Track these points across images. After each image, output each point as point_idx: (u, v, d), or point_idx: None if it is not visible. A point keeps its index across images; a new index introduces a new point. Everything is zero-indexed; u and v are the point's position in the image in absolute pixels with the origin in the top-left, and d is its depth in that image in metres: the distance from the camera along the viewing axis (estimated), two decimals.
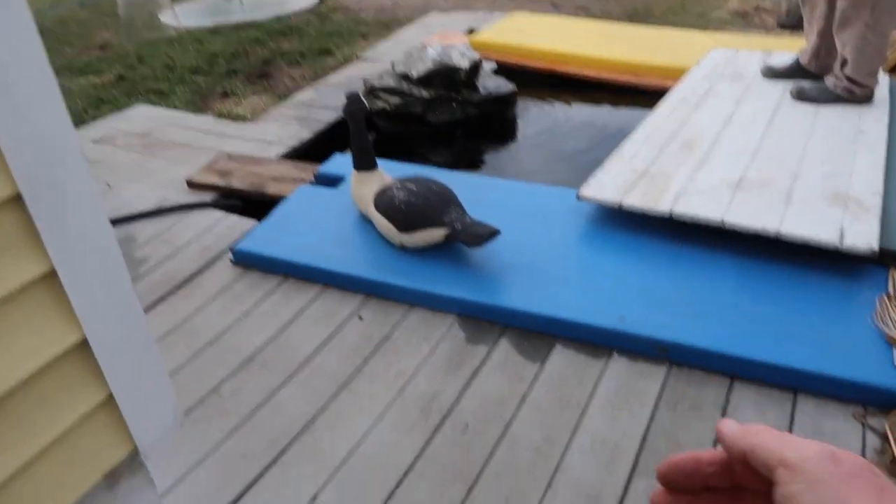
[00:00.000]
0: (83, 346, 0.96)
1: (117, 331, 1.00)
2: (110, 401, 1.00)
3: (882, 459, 1.60)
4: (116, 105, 4.07)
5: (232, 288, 2.30)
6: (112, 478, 1.10)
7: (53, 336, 0.92)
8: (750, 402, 1.77)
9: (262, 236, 2.43)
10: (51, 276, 0.91)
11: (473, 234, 2.06)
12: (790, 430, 1.68)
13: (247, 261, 2.38)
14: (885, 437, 1.64)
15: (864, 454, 1.62)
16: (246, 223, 2.63)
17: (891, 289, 1.93)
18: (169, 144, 3.42)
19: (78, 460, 1.00)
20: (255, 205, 2.79)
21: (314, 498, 1.58)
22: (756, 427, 0.35)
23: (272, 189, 2.81)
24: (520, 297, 2.06)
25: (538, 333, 2.02)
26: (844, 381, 1.73)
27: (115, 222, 2.65)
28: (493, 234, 2.05)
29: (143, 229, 2.66)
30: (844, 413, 1.72)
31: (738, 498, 0.37)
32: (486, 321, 2.07)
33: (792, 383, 1.79)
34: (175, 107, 3.97)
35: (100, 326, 0.97)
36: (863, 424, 1.69)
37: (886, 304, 1.85)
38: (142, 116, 3.82)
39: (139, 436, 1.06)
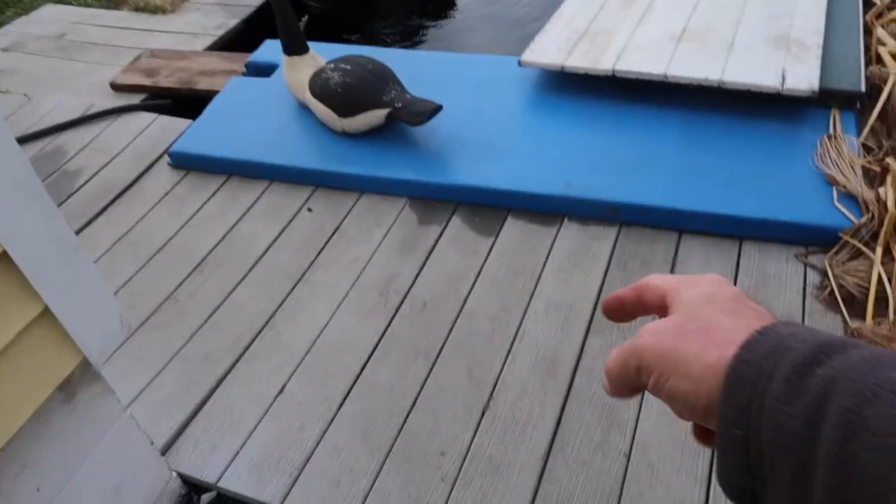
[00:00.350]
0: (5, 259, 0.92)
1: (39, 242, 0.96)
2: (47, 314, 0.98)
3: (821, 294, 1.68)
4: (21, 7, 3.74)
5: (174, 192, 2.23)
6: (68, 390, 1.10)
7: None
8: (698, 253, 1.82)
9: (198, 135, 2.33)
10: None
11: (415, 111, 2.00)
12: (735, 276, 1.75)
13: (185, 163, 2.29)
14: (824, 273, 1.72)
15: (804, 292, 1.70)
16: (179, 123, 2.51)
17: (832, 129, 1.95)
18: (86, 46, 3.19)
19: (26, 375, 0.99)
20: (186, 102, 2.65)
21: (282, 389, 1.62)
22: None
23: (203, 84, 2.66)
24: (468, 172, 2.04)
25: (489, 207, 2.02)
26: (787, 223, 1.78)
27: (40, 134, 2.51)
28: (435, 109, 1.99)
29: (71, 140, 2.52)
30: (787, 255, 1.79)
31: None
32: (436, 201, 2.06)
33: (737, 231, 1.83)
34: (86, 4, 3.67)
35: (19, 238, 0.93)
36: (804, 264, 1.76)
37: (827, 145, 1.88)
38: (52, 18, 3.53)
39: (86, 346, 1.04)
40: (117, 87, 2.76)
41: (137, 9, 3.46)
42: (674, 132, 2.05)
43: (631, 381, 0.36)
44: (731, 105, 2.08)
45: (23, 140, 2.41)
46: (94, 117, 2.58)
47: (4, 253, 0.92)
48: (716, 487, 1.35)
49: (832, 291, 1.67)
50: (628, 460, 1.42)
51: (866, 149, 1.90)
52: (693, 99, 2.11)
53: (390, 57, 2.27)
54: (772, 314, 0.35)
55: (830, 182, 1.82)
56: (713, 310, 0.35)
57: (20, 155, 0.94)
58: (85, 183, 2.30)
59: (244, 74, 2.68)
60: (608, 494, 1.37)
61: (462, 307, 1.76)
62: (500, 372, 1.60)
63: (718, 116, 2.06)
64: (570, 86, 2.26)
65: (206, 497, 1.45)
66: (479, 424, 1.50)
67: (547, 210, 1.96)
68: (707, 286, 0.37)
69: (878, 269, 1.62)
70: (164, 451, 1.50)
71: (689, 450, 1.42)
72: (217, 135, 2.30)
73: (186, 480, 1.47)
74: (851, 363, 0.28)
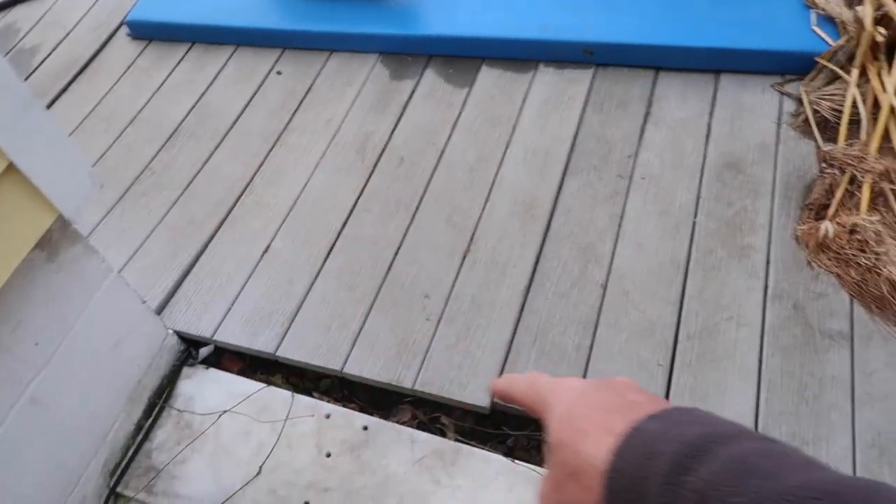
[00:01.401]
0: None
1: None
2: (13, 171, 0.98)
3: (796, 121, 1.68)
4: None
5: (137, 64, 2.16)
6: (49, 249, 1.13)
7: None
8: (674, 90, 1.80)
9: (156, 2, 2.22)
10: None
11: None
12: (712, 110, 1.74)
13: (146, 32, 2.20)
14: (799, 101, 1.71)
15: (779, 120, 1.70)
16: None
17: None
18: None
19: (3, 232, 1.00)
20: None
21: (267, 248, 1.65)
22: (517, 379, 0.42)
23: None
24: (439, 22, 1.98)
25: (463, 58, 1.97)
26: (764, 52, 1.75)
27: None
28: None
29: (23, 15, 2.41)
30: (763, 85, 1.77)
31: None
32: (408, 55, 2.00)
33: (714, 65, 1.81)
34: None
35: None
36: (780, 93, 1.75)
37: None
38: None
39: (60, 202, 1.06)
40: None
41: None
42: None
43: None
44: None
45: None
46: None
47: None
48: (687, 309, 1.42)
49: (806, 118, 1.67)
50: (604, 291, 1.48)
51: None
52: None
53: None
54: (654, 401, 0.35)
55: (809, 5, 1.77)
56: (568, 437, 0.35)
57: None
58: (44, 60, 2.23)
59: None
60: (586, 322, 1.44)
61: (440, 159, 1.76)
62: (480, 217, 1.63)
63: None
64: None
65: (203, 350, 1.52)
66: (460, 267, 1.55)
67: (522, 56, 1.92)
68: (559, 406, 0.37)
69: (853, 90, 1.61)
70: (159, 311, 1.56)
71: (662, 278, 1.47)
72: (175, 0, 2.20)
73: (183, 337, 1.54)
74: (717, 471, 0.28)
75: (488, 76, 1.92)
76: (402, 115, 1.87)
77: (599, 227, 1.58)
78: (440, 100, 1.89)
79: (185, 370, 1.51)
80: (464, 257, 1.57)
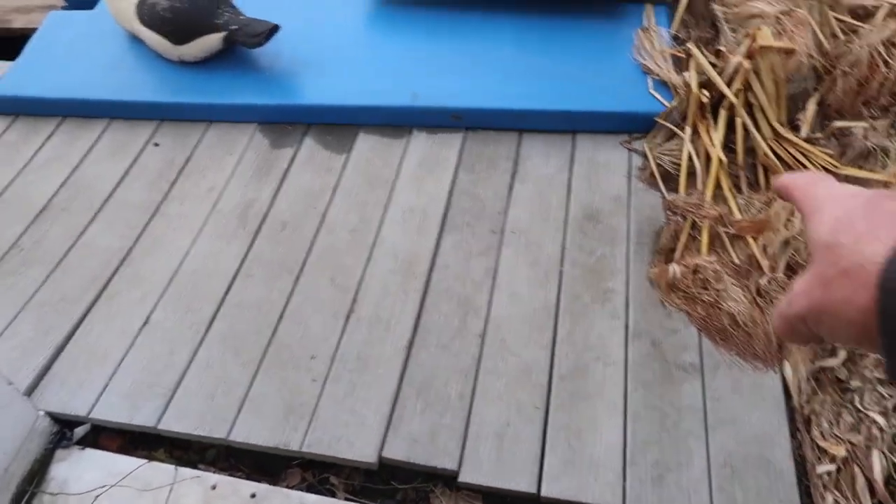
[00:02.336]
0: None
1: None
2: None
3: (643, 174, 1.87)
4: None
5: (4, 139, 2.09)
6: None
7: None
8: (537, 150, 1.96)
9: (22, 77, 2.18)
10: None
11: (252, 32, 1.97)
12: (571, 167, 1.91)
13: (12, 107, 2.15)
14: (645, 156, 1.91)
15: (629, 174, 1.88)
16: None
17: (646, 22, 2.11)
18: None
19: None
20: (1, 43, 2.45)
21: (147, 320, 1.63)
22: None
23: (18, 22, 2.46)
24: (315, 92, 2.06)
25: (340, 125, 2.05)
26: (612, 114, 1.95)
27: None
28: (272, 29, 1.97)
29: None
30: (614, 143, 1.96)
31: None
32: (287, 123, 2.07)
33: (571, 126, 1.99)
34: None
35: None
36: (628, 150, 1.94)
37: (642, 37, 2.05)
38: None
39: None
40: None
41: None
42: (508, 36, 2.15)
43: (805, 337, 0.39)
44: (557, 7, 2.19)
45: None
46: None
47: None
48: (558, 352, 1.52)
49: (652, 171, 1.86)
50: (483, 340, 1.56)
51: (676, 39, 2.09)
52: (523, 3, 2.21)
53: None
54: None
55: (646, 72, 1.99)
56: (847, 238, 0.35)
57: None
58: None
59: (64, 8, 2.50)
60: (467, 370, 1.51)
61: (321, 222, 1.81)
62: (362, 277, 1.69)
63: (548, 18, 2.18)
64: None
65: (79, 430, 1.47)
66: (345, 327, 1.59)
67: (396, 122, 2.03)
68: (834, 210, 0.38)
69: (687, 146, 1.82)
70: (29, 392, 1.49)
71: (536, 324, 1.58)
72: (43, 75, 2.16)
73: (56, 418, 1.48)
74: None
75: (365, 142, 2.01)
76: (283, 181, 1.92)
77: (476, 279, 1.67)
78: (320, 165, 1.95)
79: (59, 453, 1.45)
80: (348, 317, 1.61)
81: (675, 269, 1.60)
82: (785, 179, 0.43)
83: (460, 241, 1.75)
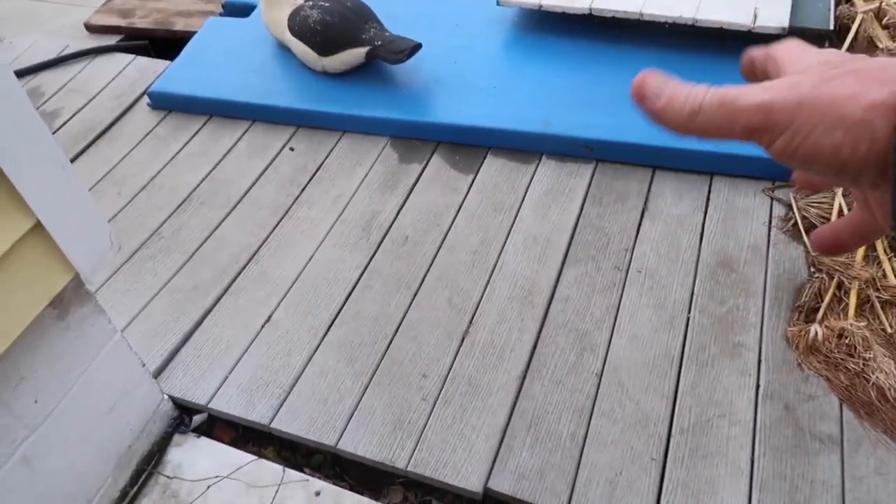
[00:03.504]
0: None
1: (32, 158, 0.99)
2: (40, 229, 1.02)
3: (786, 225, 1.76)
4: None
5: (155, 132, 2.23)
6: (61, 307, 1.14)
7: None
8: (670, 188, 1.88)
9: (178, 76, 2.32)
10: None
11: (395, 49, 2.02)
12: (706, 209, 1.82)
13: (166, 103, 2.29)
14: (789, 206, 1.79)
15: (770, 224, 1.77)
16: (157, 64, 2.50)
17: None
18: None
19: (20, 288, 1.02)
20: (164, 44, 2.63)
21: (269, 318, 1.67)
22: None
23: (180, 25, 2.63)
24: (448, 111, 2.07)
25: (469, 146, 2.05)
26: (755, 158, 1.84)
27: (17, 75, 2.47)
28: (415, 47, 2.01)
29: (48, 81, 2.50)
30: (755, 189, 1.86)
31: None
32: (417, 139, 2.09)
33: (708, 167, 1.90)
34: None
35: (12, 153, 0.96)
36: (771, 198, 1.83)
37: None
38: None
39: (78, 262, 1.08)
40: (92, 29, 2.72)
41: None
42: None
43: (724, 135, 0.32)
44: (704, 44, 2.11)
45: None
46: (70, 58, 2.55)
47: None
48: (680, 403, 1.44)
49: (796, 223, 1.74)
50: (600, 380, 1.50)
51: None
52: (668, 37, 2.14)
53: None
54: None
55: None
56: (850, 60, 0.29)
57: (6, 71, 0.96)
58: (64, 123, 2.30)
59: (221, 15, 2.65)
60: (581, 410, 1.45)
61: (443, 241, 1.81)
62: (480, 300, 1.67)
63: (692, 55, 2.11)
64: (547, 25, 2.28)
65: (197, 418, 1.52)
66: (459, 349, 1.57)
67: (525, 148, 2.01)
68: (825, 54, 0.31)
69: (839, 199, 1.70)
70: (156, 375, 1.56)
71: (657, 370, 1.50)
72: (197, 75, 2.30)
73: (178, 403, 1.53)
74: None
75: (493, 164, 2.00)
76: (408, 196, 1.94)
77: (596, 316, 1.61)
78: (446, 184, 1.96)
79: (177, 437, 1.50)
80: (462, 338, 1.59)
81: (817, 329, 1.48)
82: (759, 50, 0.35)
83: (583, 275, 1.70)
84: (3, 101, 0.93)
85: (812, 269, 1.63)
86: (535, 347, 1.56)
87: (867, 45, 1.98)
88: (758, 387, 1.46)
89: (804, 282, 1.62)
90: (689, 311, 1.60)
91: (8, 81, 0.96)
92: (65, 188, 1.07)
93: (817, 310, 1.55)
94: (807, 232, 1.72)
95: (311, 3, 2.15)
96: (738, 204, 1.83)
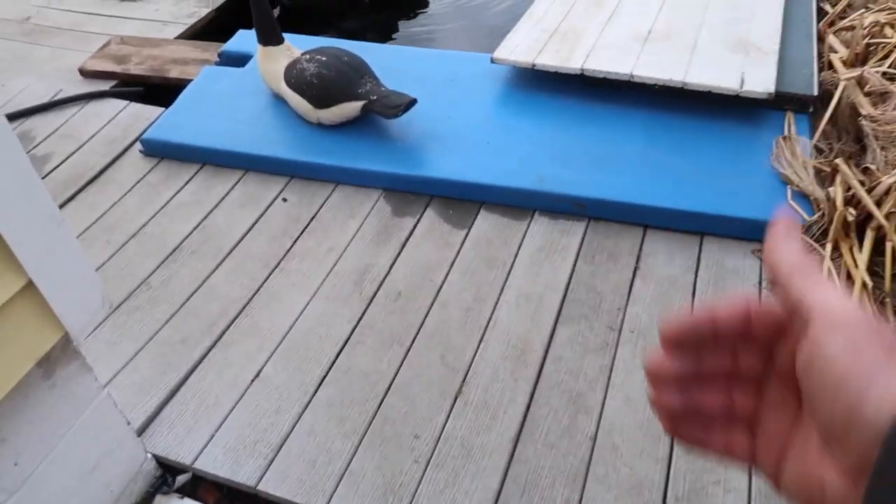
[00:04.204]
0: None
1: (25, 215, 0.98)
2: (31, 287, 1.00)
3: (777, 289, 1.77)
4: None
5: (146, 180, 2.22)
6: (47, 365, 1.11)
7: None
8: (662, 247, 1.90)
9: (172, 123, 2.32)
10: None
11: (390, 104, 2.04)
12: (697, 270, 1.83)
13: (158, 150, 2.29)
14: None
15: (760, 285, 1.79)
16: (151, 111, 2.50)
17: (787, 130, 2.05)
18: (52, 31, 3.14)
19: (8, 348, 1.00)
20: (157, 91, 2.64)
21: (258, 374, 1.64)
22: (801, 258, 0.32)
23: (174, 73, 2.65)
24: (442, 165, 2.09)
25: (463, 200, 2.07)
26: (745, 220, 1.87)
27: (9, 118, 2.46)
28: (410, 103, 2.03)
29: (40, 125, 2.49)
30: (745, 251, 1.88)
31: (737, 361, 0.34)
32: (411, 193, 2.10)
33: (698, 227, 1.92)
34: None
35: (5, 210, 0.94)
36: (760, 259, 1.85)
37: (782, 146, 1.98)
38: (14, 0, 3.45)
39: (68, 320, 1.06)
40: (86, 74, 2.73)
41: None
42: (639, 130, 2.13)
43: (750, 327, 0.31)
44: (693, 105, 2.16)
45: None
46: (62, 102, 2.55)
47: None
48: (675, 468, 1.42)
49: None
50: (594, 443, 1.48)
51: (818, 150, 2.01)
52: (658, 98, 2.19)
53: (365, 50, 2.30)
54: None
55: (785, 181, 1.92)
56: (869, 358, 0.27)
57: (5, 128, 0.95)
58: (54, 169, 2.28)
59: (217, 64, 2.67)
60: (574, 475, 1.43)
61: (436, 296, 1.80)
62: (473, 359, 1.65)
63: (681, 116, 2.15)
64: (540, 83, 2.32)
65: (181, 478, 1.47)
66: (451, 409, 1.55)
67: (518, 204, 2.02)
68: (856, 327, 0.28)
69: (827, 263, 1.72)
70: (140, 432, 1.52)
71: (651, 433, 1.49)
72: (191, 123, 2.30)
73: (161, 462, 1.49)
74: None
75: (486, 220, 2.01)
76: (401, 250, 1.93)
77: (590, 376, 1.60)
78: (439, 239, 1.96)
79: (159, 498, 1.45)
80: (455, 398, 1.57)
81: None
82: (782, 252, 0.32)
83: (576, 334, 1.70)
84: (1, 164, 0.92)
85: None
86: (528, 409, 1.55)
87: (850, 113, 2.04)
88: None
89: None
90: None
91: (6, 138, 0.95)
92: (59, 246, 1.05)
93: None
94: None
95: (308, 55, 2.17)
96: (728, 265, 1.85)
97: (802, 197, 1.89)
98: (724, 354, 0.34)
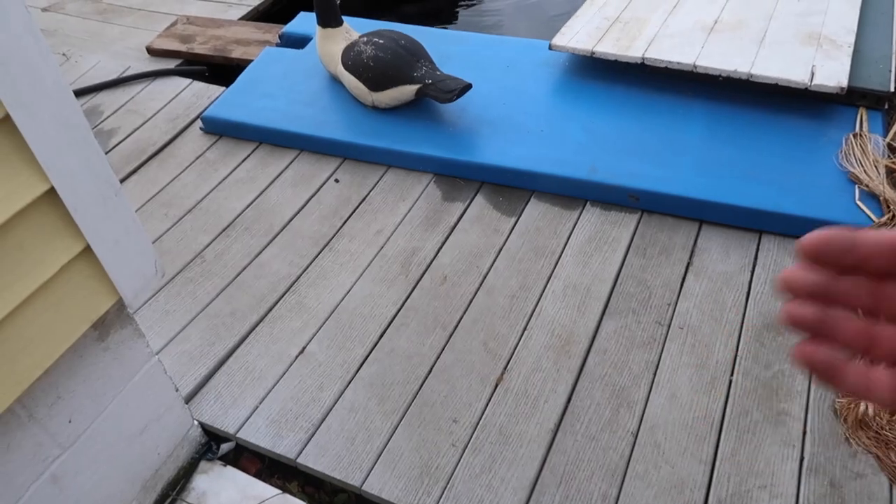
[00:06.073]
0: (52, 196, 0.97)
1: (85, 182, 1.01)
2: (88, 253, 1.03)
3: None
4: None
5: (205, 156, 2.28)
6: (102, 329, 1.16)
7: (20, 185, 0.93)
8: (717, 244, 1.84)
9: (232, 102, 2.37)
10: (7, 123, 0.90)
11: (445, 88, 2.03)
12: (753, 268, 1.77)
13: (217, 128, 2.34)
14: None
15: None
16: (213, 90, 2.56)
17: (858, 127, 1.95)
18: (123, 10, 3.24)
19: (65, 310, 1.04)
20: (220, 70, 2.70)
21: (303, 349, 1.67)
22: None
23: (237, 53, 2.70)
24: (494, 152, 2.07)
25: (513, 188, 2.05)
26: (807, 219, 1.79)
27: (78, 94, 2.56)
28: (465, 87, 2.02)
29: (107, 100, 2.58)
30: None
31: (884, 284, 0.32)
32: (461, 178, 2.09)
33: (757, 225, 1.85)
34: None
35: (67, 177, 0.98)
36: None
37: (853, 143, 1.89)
38: None
39: (122, 286, 1.10)
40: (153, 52, 2.81)
41: None
42: (699, 122, 2.06)
43: None
44: (758, 99, 2.08)
45: None
46: (130, 79, 2.63)
47: (52, 189, 0.97)
48: (719, 471, 1.38)
49: None
50: (635, 439, 1.45)
51: (891, 149, 1.91)
52: (721, 90, 2.12)
53: (422, 34, 2.29)
54: None
55: (853, 180, 1.83)
56: None
57: (71, 99, 0.98)
58: (119, 143, 2.36)
59: (278, 45, 2.71)
60: (614, 469, 1.41)
61: (482, 283, 1.80)
62: (516, 347, 1.64)
63: (745, 109, 2.08)
64: (599, 71, 2.27)
65: (225, 446, 1.51)
66: (492, 395, 1.54)
67: (570, 193, 1.99)
68: None
69: None
70: (188, 400, 1.56)
71: (696, 433, 1.45)
72: (249, 102, 2.35)
73: (207, 430, 1.53)
74: None
75: (536, 208, 1.99)
76: (449, 234, 1.93)
77: (634, 371, 1.57)
78: (488, 225, 1.95)
79: (203, 464, 1.49)
80: (496, 385, 1.56)
81: (867, 403, 1.42)
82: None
83: (623, 328, 1.66)
84: (65, 131, 0.95)
85: None
86: (569, 400, 1.53)
87: None
88: (802, 459, 1.39)
89: None
90: (732, 374, 1.55)
91: (71, 111, 0.98)
92: (116, 214, 1.08)
93: None
94: None
95: (365, 38, 2.18)
96: (787, 265, 1.78)
97: (871, 197, 1.80)
98: (866, 284, 0.31)
